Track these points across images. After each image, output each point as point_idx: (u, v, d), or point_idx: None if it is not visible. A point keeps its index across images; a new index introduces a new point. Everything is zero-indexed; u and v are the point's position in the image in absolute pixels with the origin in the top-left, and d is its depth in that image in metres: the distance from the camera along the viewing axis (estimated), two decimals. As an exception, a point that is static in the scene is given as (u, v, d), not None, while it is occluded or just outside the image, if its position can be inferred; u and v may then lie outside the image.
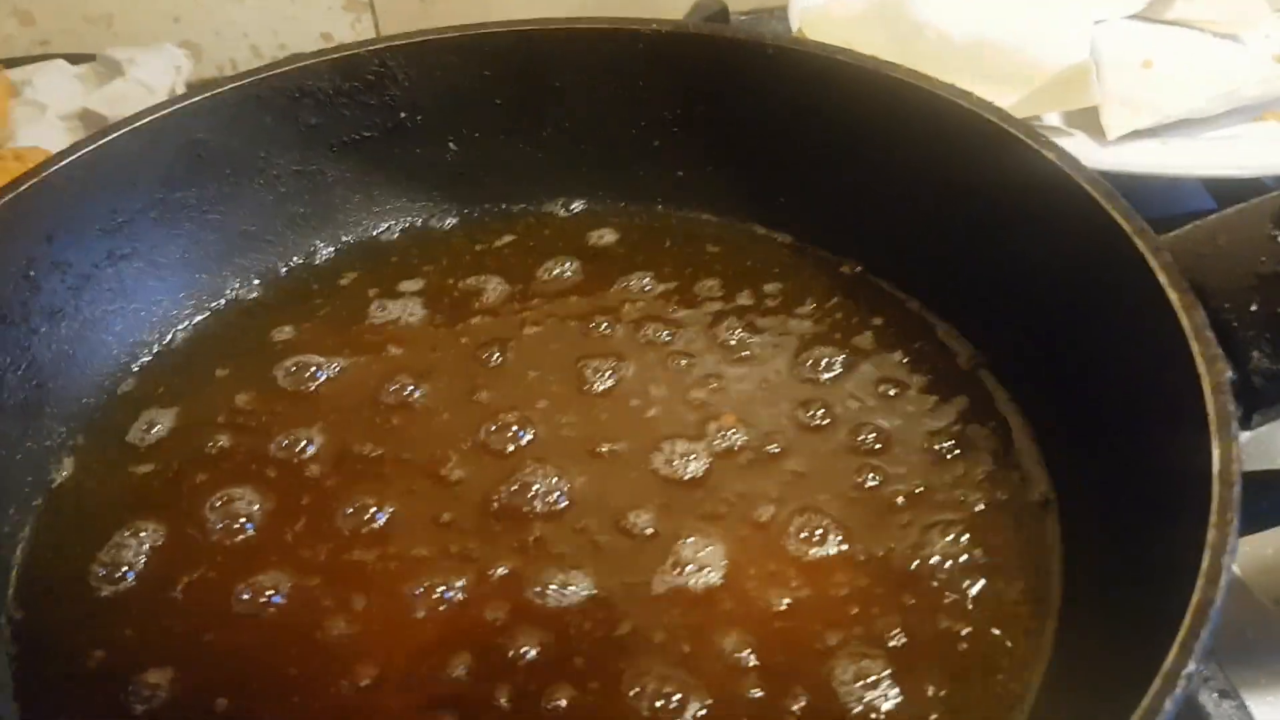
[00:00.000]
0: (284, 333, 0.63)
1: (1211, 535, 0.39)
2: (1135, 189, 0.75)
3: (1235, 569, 0.61)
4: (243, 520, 0.53)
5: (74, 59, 1.00)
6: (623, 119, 0.68)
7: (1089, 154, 0.77)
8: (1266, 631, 0.59)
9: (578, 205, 0.70)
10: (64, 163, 0.58)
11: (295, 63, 0.65)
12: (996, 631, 0.48)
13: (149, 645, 0.48)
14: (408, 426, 0.57)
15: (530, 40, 0.66)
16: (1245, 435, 0.45)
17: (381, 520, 0.52)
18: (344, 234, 0.69)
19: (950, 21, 0.82)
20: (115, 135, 0.60)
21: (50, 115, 0.92)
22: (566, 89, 0.68)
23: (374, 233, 0.70)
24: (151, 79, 0.98)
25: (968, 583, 0.49)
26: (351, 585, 0.50)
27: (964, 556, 0.50)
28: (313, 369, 0.60)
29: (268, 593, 0.50)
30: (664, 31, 0.65)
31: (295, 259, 0.68)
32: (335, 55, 0.65)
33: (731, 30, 0.69)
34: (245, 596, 0.50)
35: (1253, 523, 0.55)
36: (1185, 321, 0.45)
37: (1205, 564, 0.38)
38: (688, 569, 0.49)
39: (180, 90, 0.98)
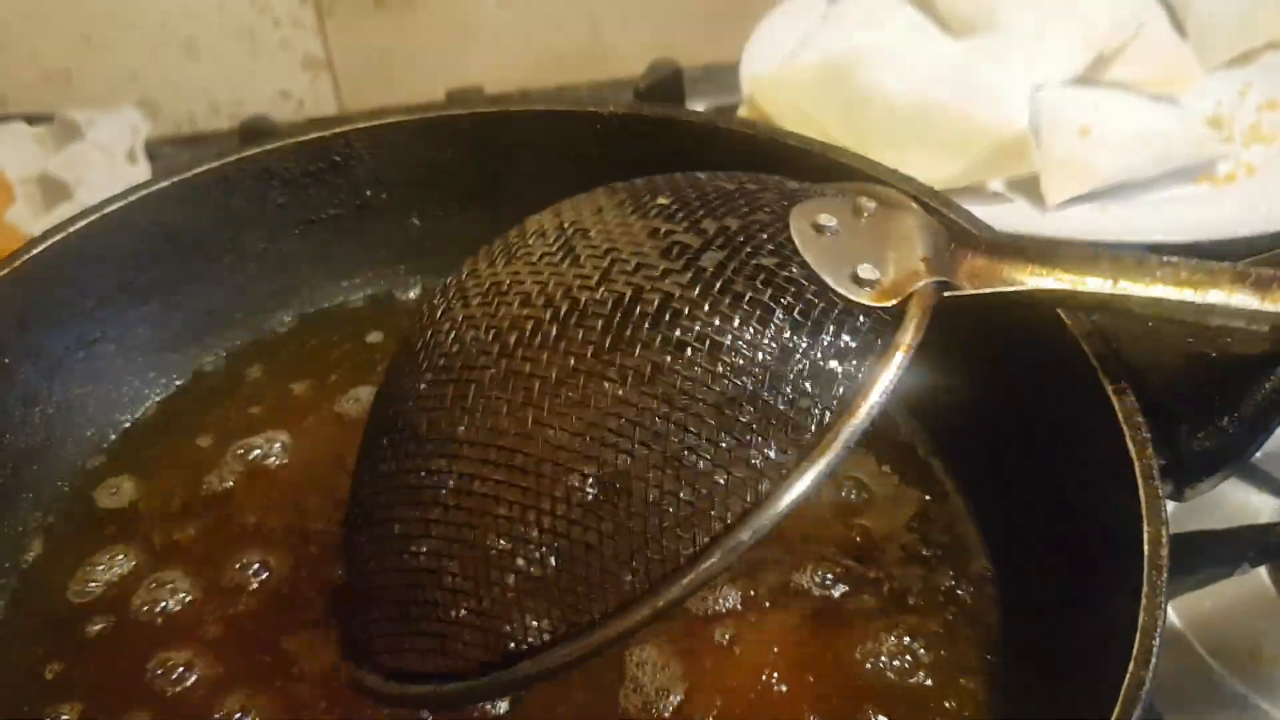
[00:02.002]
0: (254, 410, 0.65)
1: (1142, 619, 0.42)
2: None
3: (1175, 621, 0.64)
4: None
5: (32, 119, 1.01)
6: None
7: (1030, 220, 0.80)
8: (1204, 683, 0.62)
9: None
10: (35, 251, 0.59)
11: (261, 146, 0.66)
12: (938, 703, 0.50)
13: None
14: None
15: (491, 122, 0.68)
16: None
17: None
18: (308, 306, 0.71)
19: (896, 89, 0.85)
20: (85, 222, 0.61)
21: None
22: (527, 167, 0.69)
23: (338, 303, 0.71)
24: (110, 141, 0.98)
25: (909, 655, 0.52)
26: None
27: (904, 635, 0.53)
28: (278, 444, 0.62)
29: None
30: (620, 114, 0.67)
31: (261, 332, 0.69)
32: (302, 138, 0.67)
33: (685, 113, 0.71)
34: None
35: (1192, 579, 0.58)
36: (1116, 405, 0.48)
37: (1136, 648, 0.41)
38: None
39: (139, 153, 0.99)
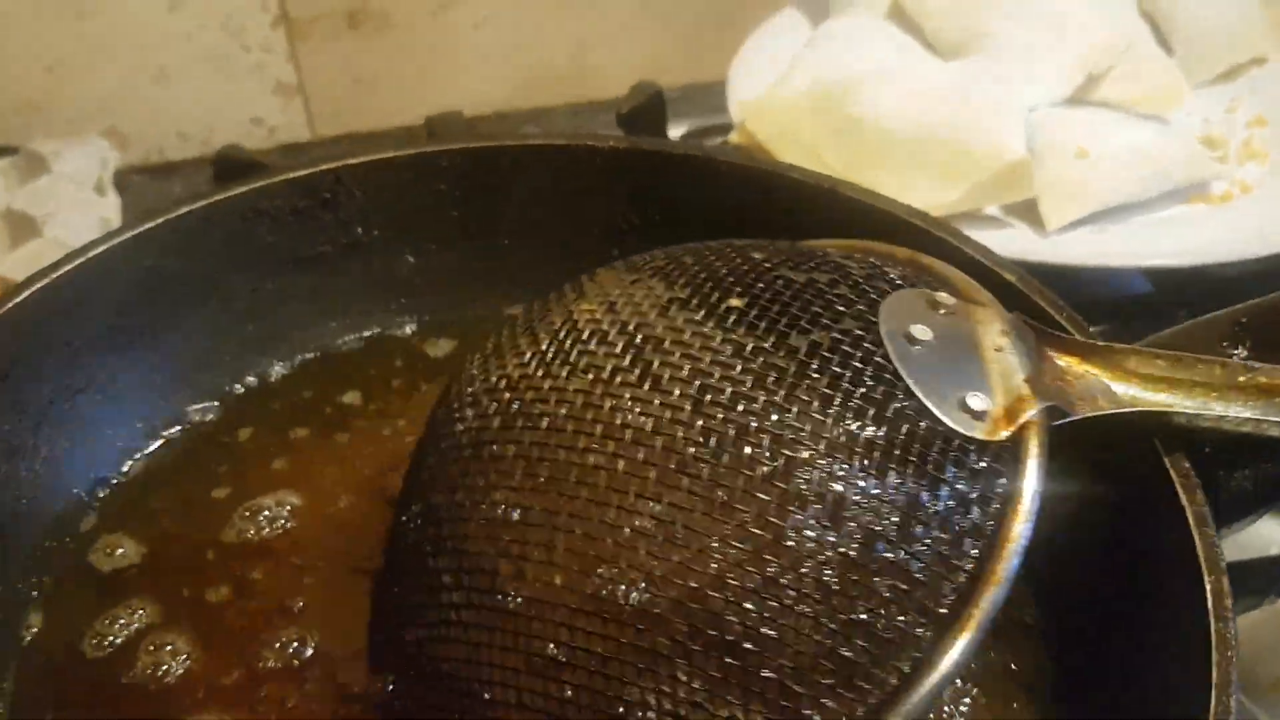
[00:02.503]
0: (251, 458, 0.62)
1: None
2: (1074, 273, 0.77)
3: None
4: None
5: (-3, 152, 0.98)
6: (579, 229, 0.68)
7: (1029, 245, 0.79)
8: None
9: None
10: (15, 301, 0.56)
11: (249, 184, 0.64)
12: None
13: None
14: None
15: (483, 158, 0.66)
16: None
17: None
18: (300, 349, 0.68)
19: (889, 114, 0.84)
20: (69, 267, 0.58)
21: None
22: (521, 201, 0.68)
23: (330, 343, 0.69)
24: (78, 174, 0.96)
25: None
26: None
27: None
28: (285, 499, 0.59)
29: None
30: (619, 148, 0.65)
31: (251, 378, 0.67)
32: (290, 175, 0.64)
33: (683, 146, 0.69)
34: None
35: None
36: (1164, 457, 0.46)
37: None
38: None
39: (108, 185, 0.97)
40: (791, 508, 0.36)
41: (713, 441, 0.38)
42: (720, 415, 0.38)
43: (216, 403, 0.65)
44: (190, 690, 0.51)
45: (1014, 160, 0.80)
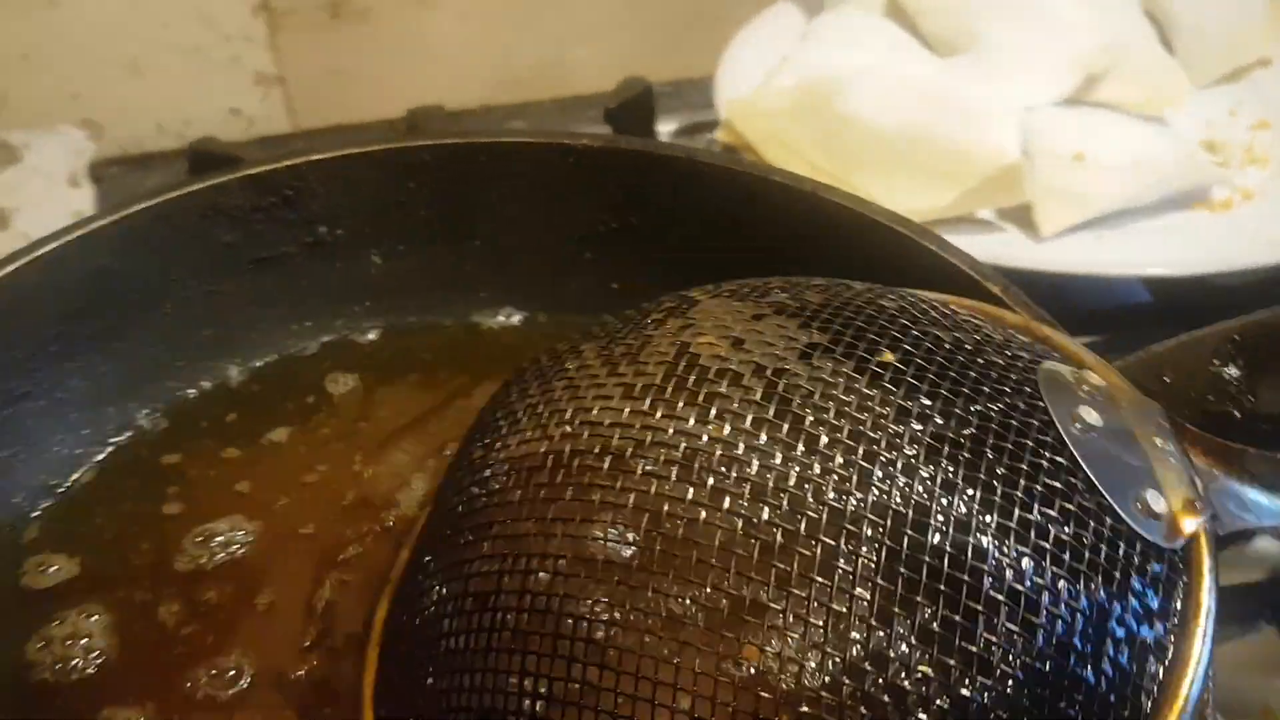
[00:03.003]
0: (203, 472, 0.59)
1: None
2: (1071, 282, 0.75)
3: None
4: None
5: (-36, 142, 0.96)
6: (554, 231, 0.65)
7: (1022, 252, 0.76)
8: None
9: (509, 317, 0.68)
10: (-42, 300, 0.54)
11: (206, 181, 0.61)
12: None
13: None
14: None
15: (456, 155, 0.63)
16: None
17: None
18: (258, 354, 0.65)
19: (879, 115, 0.81)
20: (13, 267, 0.56)
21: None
22: (495, 201, 0.65)
23: (291, 350, 0.66)
24: (50, 165, 0.93)
25: None
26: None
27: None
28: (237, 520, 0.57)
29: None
30: (595, 147, 0.63)
31: (205, 384, 0.64)
32: (250, 171, 0.61)
33: (664, 147, 0.67)
34: None
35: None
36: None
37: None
38: None
39: (82, 177, 0.94)
40: (979, 606, 0.32)
41: (887, 520, 0.32)
42: (891, 489, 0.33)
43: (169, 410, 0.62)
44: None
45: (1007, 163, 0.78)
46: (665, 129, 1.00)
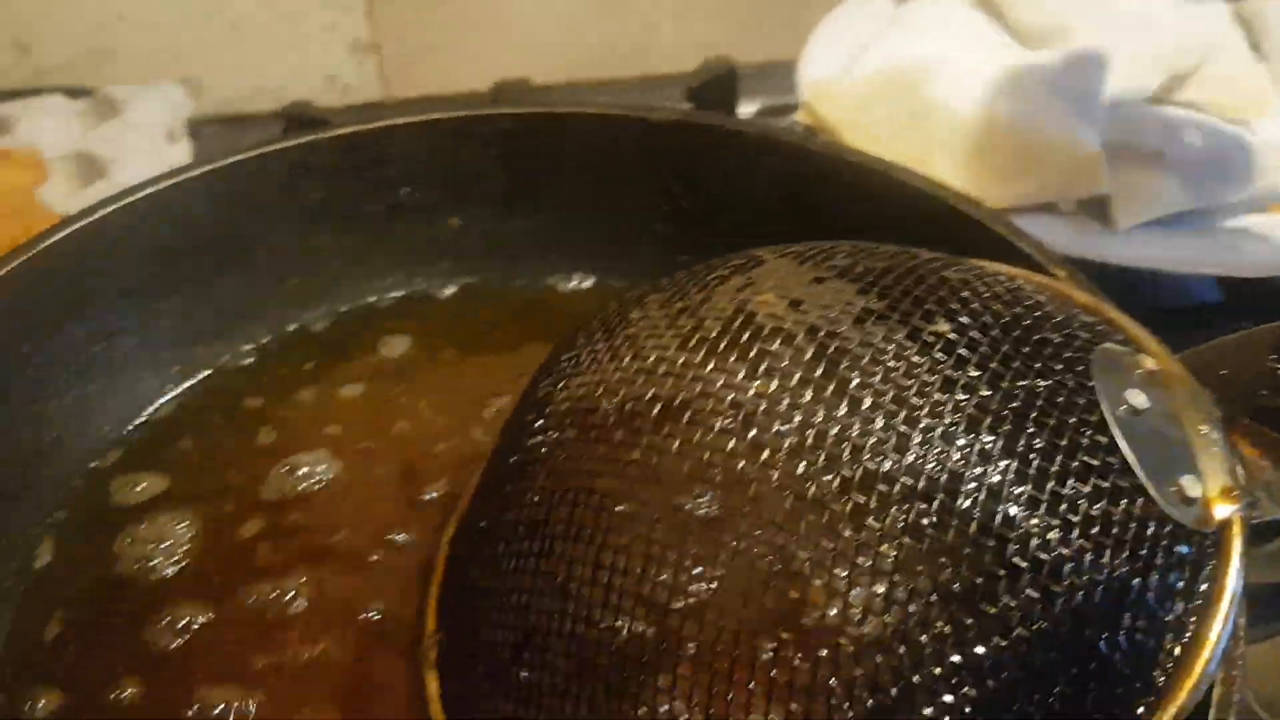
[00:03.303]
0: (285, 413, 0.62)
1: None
2: (1144, 277, 0.75)
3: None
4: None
5: (71, 93, 0.99)
6: (628, 202, 0.67)
7: (1097, 243, 0.76)
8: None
9: (580, 282, 0.69)
10: (57, 238, 0.57)
11: (298, 138, 0.64)
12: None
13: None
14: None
15: (533, 124, 0.65)
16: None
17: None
18: (340, 304, 0.68)
19: (961, 103, 0.81)
20: (114, 207, 0.59)
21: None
22: (571, 171, 0.67)
23: (371, 303, 0.69)
24: (149, 120, 0.97)
25: None
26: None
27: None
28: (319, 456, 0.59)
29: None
30: (670, 120, 0.64)
31: (289, 329, 0.67)
32: (339, 132, 0.64)
33: (738, 123, 0.68)
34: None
35: (1253, 632, 0.55)
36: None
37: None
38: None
39: (180, 132, 0.98)
40: (1002, 572, 0.33)
41: (920, 484, 0.34)
42: (929, 455, 0.34)
43: (254, 352, 0.65)
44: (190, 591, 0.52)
45: (1086, 154, 0.78)
46: (747, 110, 1.01)
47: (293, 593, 0.52)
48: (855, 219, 0.60)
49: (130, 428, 0.61)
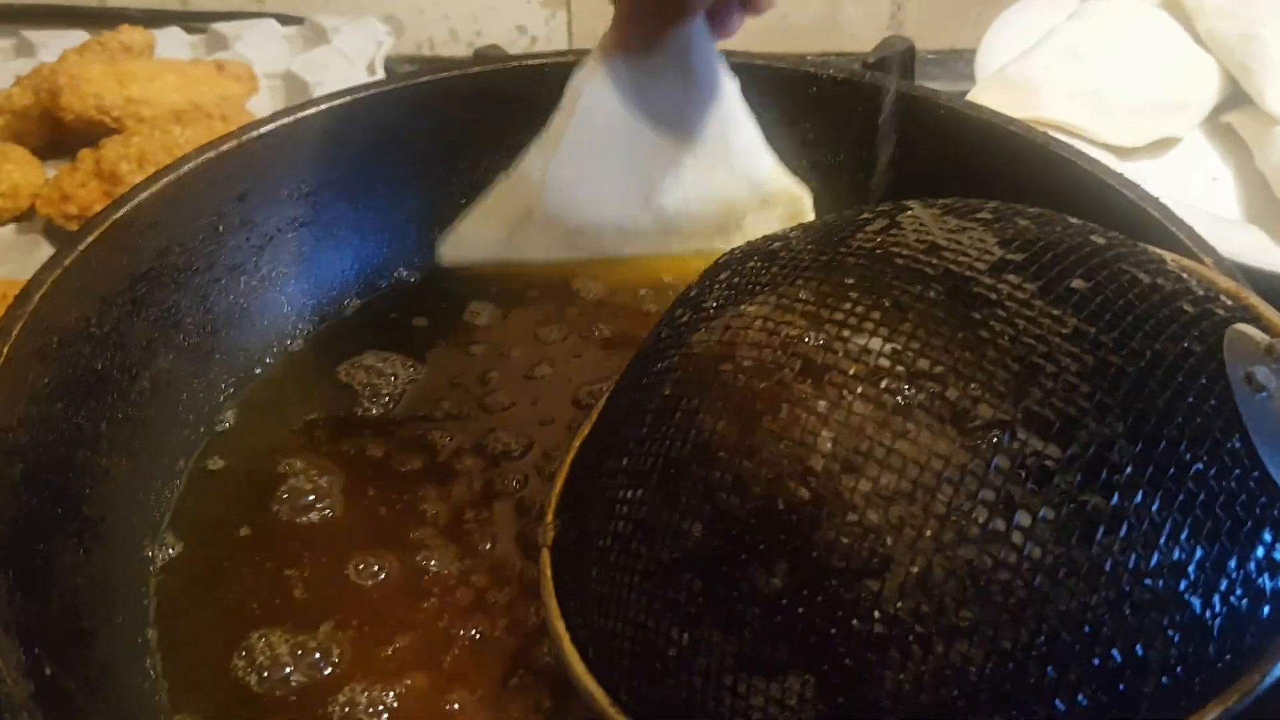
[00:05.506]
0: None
1: None
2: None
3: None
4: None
5: (284, 20, 1.07)
6: (789, 157, 0.69)
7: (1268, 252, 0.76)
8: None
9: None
10: (262, 130, 0.63)
11: (481, 66, 0.68)
12: None
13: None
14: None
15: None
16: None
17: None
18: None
19: (1139, 98, 0.82)
20: (312, 111, 0.64)
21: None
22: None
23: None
24: (353, 50, 1.03)
25: None
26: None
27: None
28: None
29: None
30: (839, 78, 0.66)
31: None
32: (524, 62, 0.68)
33: (904, 85, 0.70)
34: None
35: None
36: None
37: None
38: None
39: (379, 65, 1.04)
40: (1100, 520, 0.34)
41: (1032, 426, 0.34)
42: (1045, 400, 0.35)
43: (427, 265, 0.70)
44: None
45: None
46: (921, 90, 1.02)
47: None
48: (1011, 190, 0.61)
49: (310, 316, 0.67)
